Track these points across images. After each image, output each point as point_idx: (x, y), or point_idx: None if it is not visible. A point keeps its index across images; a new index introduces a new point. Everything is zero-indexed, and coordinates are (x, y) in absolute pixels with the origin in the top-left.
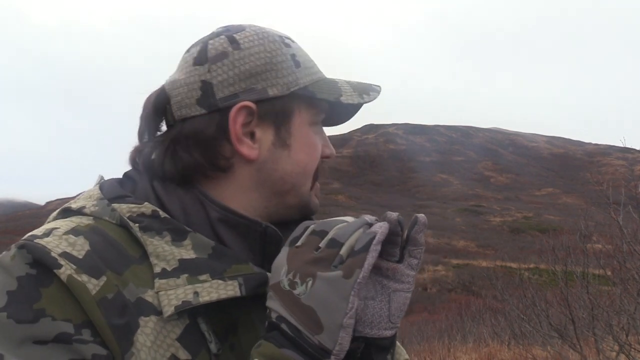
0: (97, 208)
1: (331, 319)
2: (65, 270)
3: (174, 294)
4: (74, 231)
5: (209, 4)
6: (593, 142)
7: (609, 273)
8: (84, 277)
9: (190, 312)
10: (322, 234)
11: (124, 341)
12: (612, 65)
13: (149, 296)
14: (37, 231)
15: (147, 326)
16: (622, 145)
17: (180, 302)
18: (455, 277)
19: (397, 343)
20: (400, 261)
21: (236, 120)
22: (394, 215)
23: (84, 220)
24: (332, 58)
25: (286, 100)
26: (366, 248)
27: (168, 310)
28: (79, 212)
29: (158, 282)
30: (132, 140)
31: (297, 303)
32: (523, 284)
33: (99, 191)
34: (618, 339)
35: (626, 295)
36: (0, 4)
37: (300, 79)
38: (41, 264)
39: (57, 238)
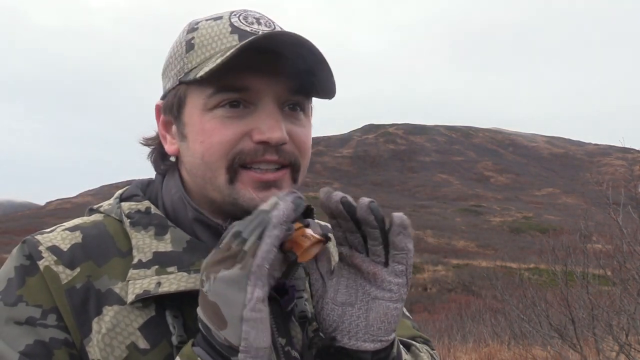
0: (109, 207)
1: (231, 312)
2: (44, 262)
3: (140, 284)
4: (75, 227)
5: (211, 3)
6: (593, 142)
7: (609, 273)
8: (59, 268)
9: (158, 304)
10: (238, 234)
11: (84, 327)
12: (612, 65)
13: (117, 287)
14: (52, 227)
15: (108, 314)
16: (622, 145)
17: (142, 291)
18: (455, 277)
19: (424, 357)
20: (386, 264)
21: (158, 119)
22: (335, 196)
23: (94, 218)
24: (331, 58)
25: (178, 90)
26: (259, 236)
27: (130, 297)
28: (97, 210)
29: (131, 272)
30: (132, 140)
31: (206, 300)
32: (523, 284)
33: (121, 192)
34: (618, 339)
35: (626, 295)
36: (1, 4)
37: (188, 64)
38: (32, 256)
39: (56, 233)
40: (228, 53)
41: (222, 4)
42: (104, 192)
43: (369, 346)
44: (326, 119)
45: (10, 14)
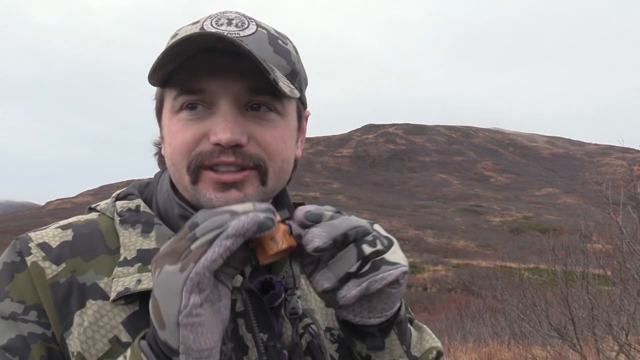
0: (105, 205)
1: (168, 315)
2: (32, 258)
3: (122, 281)
4: (68, 225)
5: (212, 3)
6: (593, 142)
7: (609, 273)
8: (46, 264)
9: (142, 299)
10: (194, 226)
11: (66, 320)
12: (612, 65)
13: (102, 283)
14: (47, 225)
15: (91, 308)
16: (621, 145)
17: (123, 288)
18: (455, 277)
19: (425, 327)
20: None
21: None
22: (300, 213)
23: (89, 216)
24: (332, 58)
25: (157, 94)
26: (210, 242)
27: (112, 294)
28: (94, 209)
29: (116, 270)
30: (132, 140)
31: (153, 295)
32: (523, 284)
33: (119, 192)
34: (618, 339)
35: (626, 295)
36: (1, 3)
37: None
38: (22, 253)
39: (49, 230)
40: (159, 56)
41: (222, 3)
42: (104, 192)
43: (375, 321)
44: (326, 119)
45: (10, 13)
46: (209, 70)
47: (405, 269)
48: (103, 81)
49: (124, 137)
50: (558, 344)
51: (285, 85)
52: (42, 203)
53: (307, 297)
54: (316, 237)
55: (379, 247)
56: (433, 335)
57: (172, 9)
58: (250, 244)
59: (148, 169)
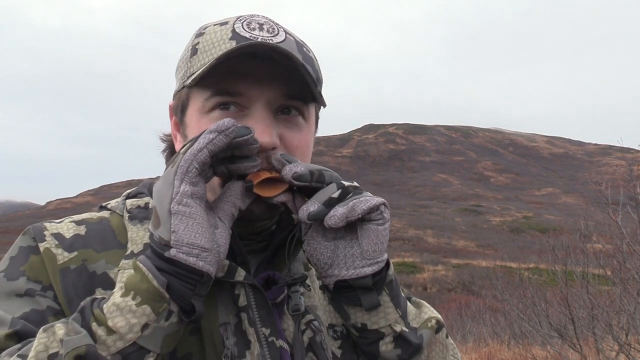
0: (116, 204)
1: (162, 208)
2: (45, 244)
3: (127, 273)
4: (81, 221)
5: (212, 3)
6: (593, 142)
7: (609, 273)
8: (58, 251)
9: None
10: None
11: (72, 305)
12: (612, 64)
13: (112, 273)
14: (62, 218)
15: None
16: (621, 145)
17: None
18: (455, 277)
19: (423, 302)
20: None
21: (171, 119)
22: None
23: (101, 214)
24: (332, 58)
25: (182, 93)
26: (195, 139)
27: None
28: (105, 207)
29: (122, 262)
30: (133, 140)
31: (153, 205)
32: (523, 283)
33: (130, 191)
34: (618, 339)
35: (626, 295)
36: (1, 3)
37: (191, 68)
38: (36, 239)
39: (63, 224)
40: (208, 63)
41: (223, 4)
42: (104, 192)
43: (368, 270)
44: (326, 119)
45: (10, 14)
46: (246, 74)
47: (385, 201)
48: (103, 81)
49: (124, 137)
50: (558, 343)
51: (320, 95)
52: (42, 203)
53: (311, 294)
54: (294, 167)
55: (356, 185)
56: (432, 308)
57: (173, 10)
58: (247, 177)
59: (148, 169)
